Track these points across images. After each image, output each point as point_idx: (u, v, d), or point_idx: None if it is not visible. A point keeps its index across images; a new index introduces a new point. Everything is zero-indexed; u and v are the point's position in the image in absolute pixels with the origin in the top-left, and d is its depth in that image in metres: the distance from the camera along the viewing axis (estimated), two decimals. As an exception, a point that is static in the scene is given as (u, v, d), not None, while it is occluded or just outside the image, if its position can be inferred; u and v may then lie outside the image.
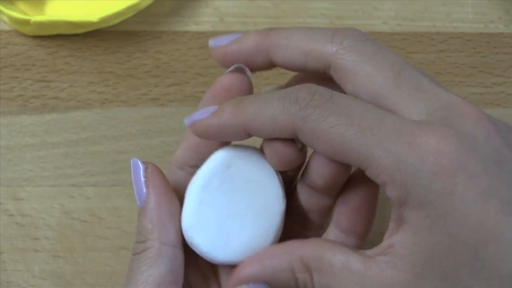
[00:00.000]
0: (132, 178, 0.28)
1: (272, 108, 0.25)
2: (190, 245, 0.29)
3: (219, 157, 0.29)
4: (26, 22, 0.40)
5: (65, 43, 0.41)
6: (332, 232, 0.28)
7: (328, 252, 0.25)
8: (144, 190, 0.28)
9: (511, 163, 0.23)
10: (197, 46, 0.41)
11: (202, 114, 0.27)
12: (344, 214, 0.27)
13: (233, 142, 0.30)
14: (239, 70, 0.29)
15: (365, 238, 0.28)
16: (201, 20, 0.42)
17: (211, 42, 0.29)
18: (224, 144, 0.29)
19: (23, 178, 0.39)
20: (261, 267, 0.26)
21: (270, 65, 0.28)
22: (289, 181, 0.30)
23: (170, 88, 0.41)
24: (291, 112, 0.24)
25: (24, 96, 0.40)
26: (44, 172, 0.39)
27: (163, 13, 0.42)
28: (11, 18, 0.40)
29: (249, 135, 0.27)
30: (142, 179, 0.28)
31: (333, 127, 0.23)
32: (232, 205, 0.28)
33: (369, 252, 0.25)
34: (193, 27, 0.42)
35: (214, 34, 0.41)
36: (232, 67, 0.29)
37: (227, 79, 0.28)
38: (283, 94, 0.25)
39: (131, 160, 0.29)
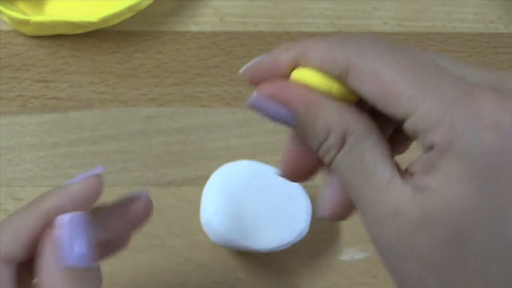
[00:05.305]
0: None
1: (331, 41, 0.23)
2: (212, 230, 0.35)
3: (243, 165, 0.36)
4: (26, 22, 0.40)
5: (65, 43, 0.41)
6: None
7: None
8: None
9: None
10: (197, 46, 0.41)
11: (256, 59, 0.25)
12: None
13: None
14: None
15: None
16: (201, 20, 0.42)
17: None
18: None
19: (23, 178, 0.39)
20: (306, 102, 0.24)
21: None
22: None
23: (170, 88, 0.41)
24: (349, 45, 0.23)
25: (24, 96, 0.40)
26: (44, 172, 0.39)
27: (163, 13, 0.42)
28: (11, 18, 0.40)
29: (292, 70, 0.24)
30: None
31: (391, 66, 0.22)
32: (257, 205, 0.35)
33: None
34: (193, 27, 0.42)
35: (214, 34, 0.42)
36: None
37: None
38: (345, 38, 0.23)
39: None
